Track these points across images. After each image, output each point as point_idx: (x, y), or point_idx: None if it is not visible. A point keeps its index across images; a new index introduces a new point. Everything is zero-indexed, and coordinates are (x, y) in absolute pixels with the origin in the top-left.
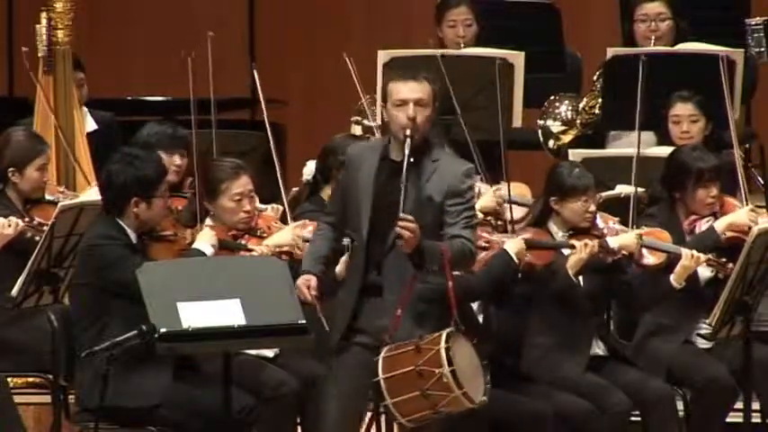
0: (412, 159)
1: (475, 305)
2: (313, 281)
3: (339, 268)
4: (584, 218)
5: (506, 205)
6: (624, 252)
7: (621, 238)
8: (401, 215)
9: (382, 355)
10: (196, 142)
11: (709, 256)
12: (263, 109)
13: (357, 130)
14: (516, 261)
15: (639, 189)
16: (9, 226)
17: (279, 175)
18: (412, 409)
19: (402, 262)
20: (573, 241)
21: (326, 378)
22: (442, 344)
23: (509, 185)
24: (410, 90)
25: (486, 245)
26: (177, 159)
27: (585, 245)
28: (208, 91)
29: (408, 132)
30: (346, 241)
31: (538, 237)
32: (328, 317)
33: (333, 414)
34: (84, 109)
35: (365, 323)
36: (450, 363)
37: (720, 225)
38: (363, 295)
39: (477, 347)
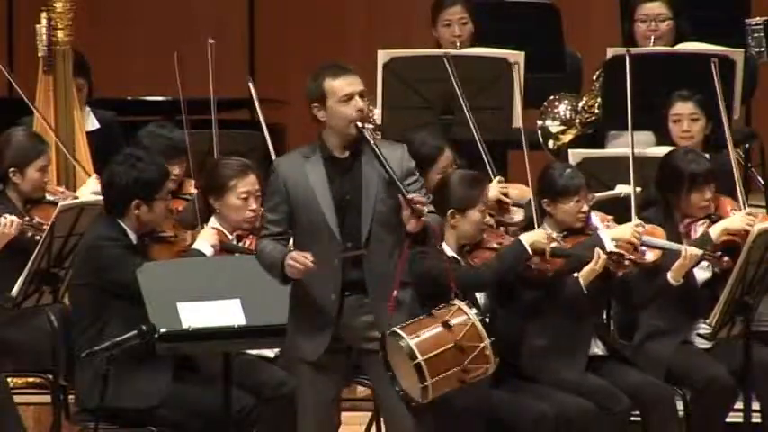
0: (375, 148)
1: (481, 300)
2: (305, 253)
3: None
4: (577, 218)
5: (513, 207)
6: (620, 249)
7: (616, 230)
8: (412, 195)
9: (407, 336)
10: (195, 142)
11: (705, 251)
12: (259, 113)
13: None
14: (530, 252)
15: (640, 189)
16: (10, 225)
17: None
18: (444, 385)
19: (380, 253)
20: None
21: (302, 383)
22: (474, 317)
23: (531, 186)
24: (351, 84)
25: (498, 246)
26: (176, 169)
27: (599, 257)
28: (207, 91)
29: (360, 124)
30: None
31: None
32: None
33: (313, 423)
34: (87, 108)
35: (346, 321)
36: (490, 335)
37: (715, 231)
38: (344, 295)
39: None
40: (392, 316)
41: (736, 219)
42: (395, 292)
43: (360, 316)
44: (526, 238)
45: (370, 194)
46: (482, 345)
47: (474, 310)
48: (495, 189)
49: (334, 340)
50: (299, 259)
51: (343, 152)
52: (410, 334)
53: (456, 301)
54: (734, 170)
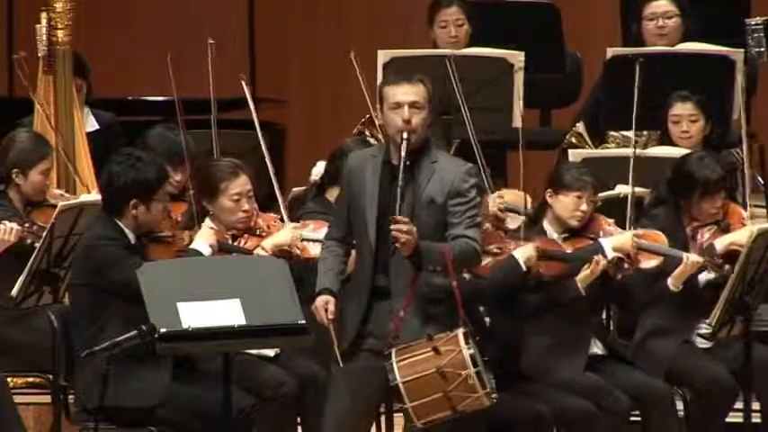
0: (408, 162)
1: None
2: (331, 303)
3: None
4: (573, 215)
5: (507, 213)
6: (621, 255)
7: (616, 239)
8: (395, 217)
9: (395, 358)
10: (195, 143)
11: (707, 258)
12: (253, 112)
13: None
14: (524, 268)
15: (639, 189)
16: (9, 232)
17: (272, 176)
18: (431, 410)
19: (407, 264)
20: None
21: (332, 382)
22: (463, 345)
23: (525, 195)
24: (404, 93)
25: (498, 251)
26: (179, 175)
27: (597, 262)
28: (207, 92)
29: (405, 135)
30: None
31: (550, 247)
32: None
33: (341, 419)
34: (87, 109)
35: (374, 327)
36: (474, 364)
37: (722, 243)
38: (372, 299)
39: (481, 346)
40: (396, 337)
41: (744, 234)
42: (401, 313)
43: (388, 322)
44: (520, 254)
45: (410, 207)
46: (464, 373)
47: (468, 344)
48: (493, 205)
49: (360, 338)
50: (321, 314)
51: (398, 159)
52: (399, 356)
53: (459, 330)
54: (745, 169)
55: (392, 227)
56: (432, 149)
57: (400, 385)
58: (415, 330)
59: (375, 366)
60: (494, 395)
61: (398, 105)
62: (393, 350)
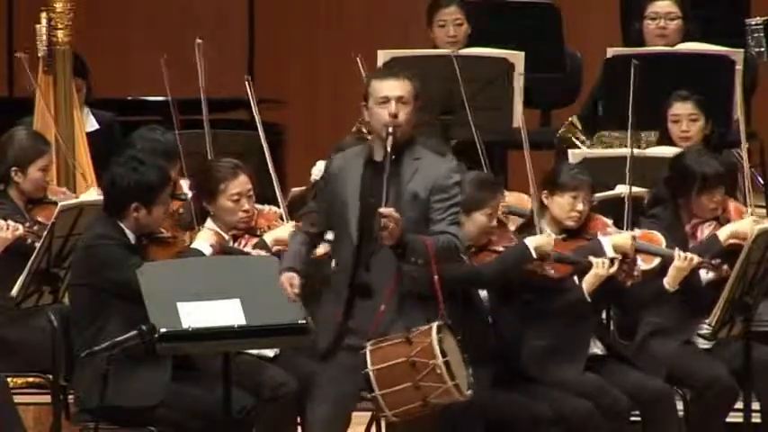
0: (393, 156)
1: (485, 299)
2: (296, 278)
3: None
4: (569, 215)
5: (509, 216)
6: (618, 256)
7: (616, 237)
8: (382, 207)
9: (369, 347)
10: (193, 143)
11: (702, 258)
12: (256, 114)
13: None
14: (534, 255)
15: (640, 189)
16: (7, 229)
17: (273, 176)
18: (401, 401)
19: (390, 260)
20: (592, 259)
21: (314, 380)
22: (434, 335)
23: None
24: (391, 87)
25: (504, 250)
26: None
27: (605, 264)
28: (207, 91)
29: (390, 129)
30: (329, 236)
31: (561, 249)
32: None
33: (320, 418)
34: (87, 109)
35: (357, 324)
36: (443, 354)
37: (723, 234)
38: (354, 295)
39: (461, 342)
40: (375, 331)
41: (745, 223)
42: (382, 307)
43: (370, 319)
44: (531, 242)
45: (391, 202)
46: (432, 362)
47: (440, 335)
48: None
49: (341, 335)
50: (287, 288)
51: (381, 155)
52: (373, 345)
53: (434, 323)
54: (745, 169)
55: (381, 215)
56: (415, 147)
57: (370, 373)
58: (395, 325)
59: (352, 365)
60: (467, 391)
61: (386, 100)
62: (370, 342)
